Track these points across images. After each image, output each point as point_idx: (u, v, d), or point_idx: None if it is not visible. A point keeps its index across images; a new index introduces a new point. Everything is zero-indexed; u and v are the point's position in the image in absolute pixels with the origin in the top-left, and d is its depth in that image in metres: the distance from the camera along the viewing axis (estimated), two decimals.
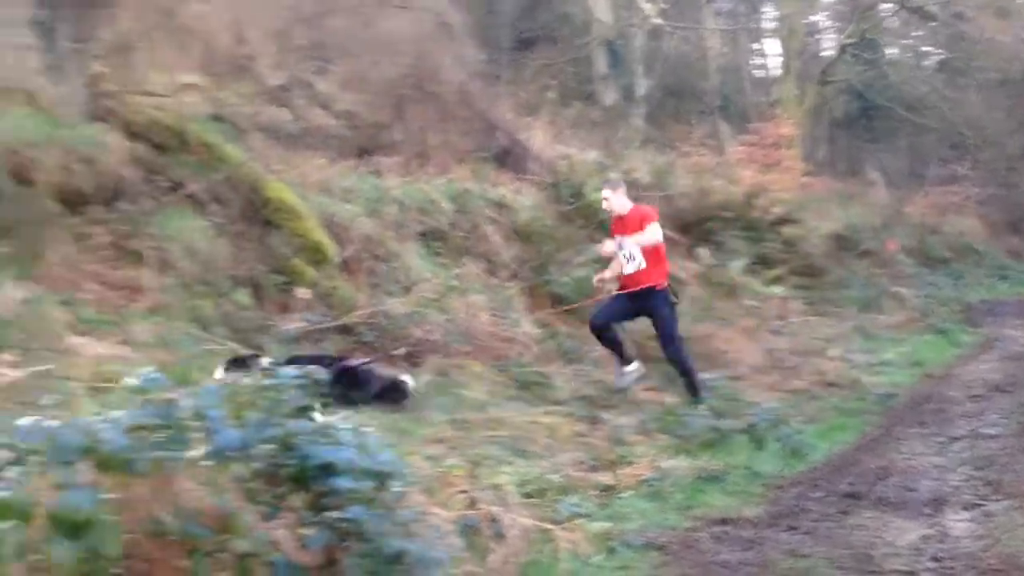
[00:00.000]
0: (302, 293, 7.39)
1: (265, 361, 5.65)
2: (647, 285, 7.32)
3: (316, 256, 8.73)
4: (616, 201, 7.62)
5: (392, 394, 6.36)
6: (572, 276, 9.48)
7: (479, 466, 4.73)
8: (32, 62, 8.85)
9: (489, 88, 13.97)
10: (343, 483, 3.01)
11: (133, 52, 9.49)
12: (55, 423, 2.83)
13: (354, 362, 6.55)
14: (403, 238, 9.36)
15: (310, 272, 8.49)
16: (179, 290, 7.92)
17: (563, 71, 20.08)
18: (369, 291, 8.36)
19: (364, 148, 11.32)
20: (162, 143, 9.06)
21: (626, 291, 7.43)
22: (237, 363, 5.76)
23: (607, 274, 7.74)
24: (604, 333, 7.51)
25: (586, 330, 9.01)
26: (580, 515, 4.34)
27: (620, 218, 7.58)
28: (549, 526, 4.04)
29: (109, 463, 2.76)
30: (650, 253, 7.36)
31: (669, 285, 7.48)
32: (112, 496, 2.72)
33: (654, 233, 7.35)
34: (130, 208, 8.23)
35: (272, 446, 3.01)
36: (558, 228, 10.49)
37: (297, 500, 3.06)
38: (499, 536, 3.76)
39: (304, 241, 8.76)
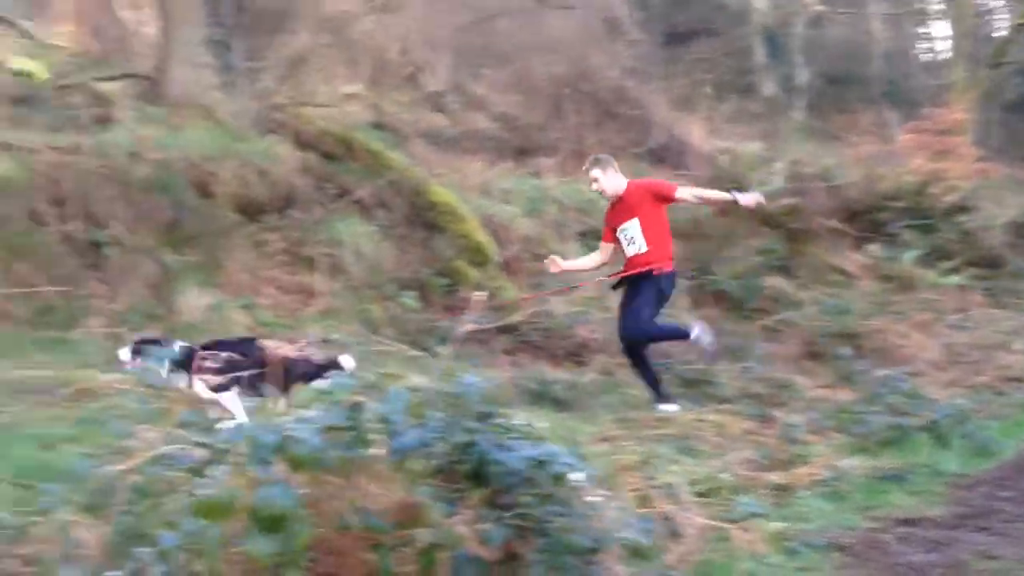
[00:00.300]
0: (477, 295, 7.50)
1: (178, 345, 5.33)
2: (645, 268, 6.48)
3: (478, 257, 8.89)
4: (608, 182, 6.63)
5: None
6: (735, 272, 9.32)
7: (648, 464, 4.69)
8: (209, 79, 9.37)
9: (644, 84, 13.88)
10: (521, 479, 3.05)
11: (303, 67, 9.89)
12: (253, 422, 2.97)
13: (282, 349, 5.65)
14: (563, 238, 9.42)
15: (473, 273, 8.65)
16: (348, 293, 8.22)
17: (719, 63, 19.75)
18: (531, 291, 8.44)
19: (521, 149, 11.45)
20: (330, 152, 9.43)
21: (624, 276, 6.67)
22: (144, 344, 5.32)
23: (568, 264, 6.96)
24: (636, 354, 6.55)
25: (750, 326, 8.86)
26: (755, 514, 4.24)
27: (619, 200, 6.65)
28: (724, 525, 3.98)
29: (301, 461, 2.88)
30: (653, 235, 6.52)
31: (672, 271, 6.58)
32: (304, 492, 2.84)
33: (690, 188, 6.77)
34: (302, 215, 8.60)
35: (451, 444, 3.08)
36: (719, 224, 10.29)
37: (475, 496, 3.11)
38: (674, 534, 3.73)
39: (466, 243, 8.94)
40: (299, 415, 3.04)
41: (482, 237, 9.03)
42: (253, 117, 9.28)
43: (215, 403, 5.14)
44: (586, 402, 6.45)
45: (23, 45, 11.01)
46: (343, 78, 11.27)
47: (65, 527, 2.94)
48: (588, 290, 8.20)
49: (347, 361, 5.46)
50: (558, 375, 7.03)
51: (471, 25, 11.91)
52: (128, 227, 7.72)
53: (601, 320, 7.94)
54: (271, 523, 2.76)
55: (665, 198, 6.58)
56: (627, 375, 6.81)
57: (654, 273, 6.45)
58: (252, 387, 5.19)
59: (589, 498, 3.22)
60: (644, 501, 3.96)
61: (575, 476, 3.13)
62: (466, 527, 3.02)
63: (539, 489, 3.06)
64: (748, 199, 6.66)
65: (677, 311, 8.58)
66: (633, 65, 13.77)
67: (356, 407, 3.00)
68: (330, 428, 2.95)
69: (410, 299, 8.22)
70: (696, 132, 13.35)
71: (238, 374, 5.16)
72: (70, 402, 5.19)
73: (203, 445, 3.12)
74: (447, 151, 11.33)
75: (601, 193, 6.74)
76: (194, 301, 7.33)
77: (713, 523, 3.97)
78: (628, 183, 6.67)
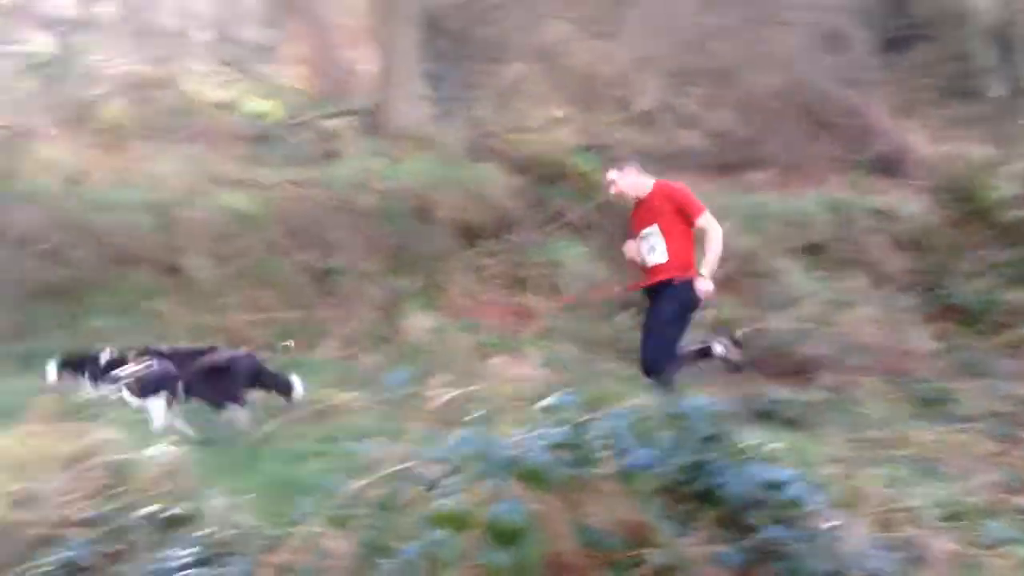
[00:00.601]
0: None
1: (105, 356, 5.44)
2: (663, 278, 5.86)
3: None
4: (628, 182, 6.04)
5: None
6: (970, 285, 8.78)
7: (888, 487, 4.48)
8: (427, 110, 9.77)
9: (861, 92, 13.35)
10: (754, 501, 2.98)
11: (515, 93, 10.15)
12: (485, 440, 3.05)
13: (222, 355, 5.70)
14: (782, 253, 9.16)
15: None
16: (564, 314, 8.31)
17: (940, 67, 18.76)
18: (751, 308, 8.26)
19: (735, 165, 11.24)
20: (541, 175, 9.60)
21: (642, 288, 6.09)
22: (71, 362, 5.45)
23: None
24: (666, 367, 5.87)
25: (988, 341, 8.29)
26: (1009, 540, 3.97)
27: (640, 203, 6.03)
28: (975, 551, 3.74)
29: (531, 477, 2.92)
30: (675, 244, 5.87)
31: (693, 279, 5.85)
32: (535, 508, 2.88)
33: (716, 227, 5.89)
34: (516, 238, 8.78)
35: (682, 464, 3.04)
36: (948, 234, 9.74)
37: (707, 517, 3.06)
38: (919, 561, 3.54)
39: None
40: (529, 432, 3.09)
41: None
42: (468, 145, 9.59)
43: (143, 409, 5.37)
44: (815, 421, 6.24)
45: (257, 88, 11.84)
46: (553, 102, 11.45)
47: (315, 538, 3.10)
48: (810, 305, 7.98)
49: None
50: (783, 393, 6.84)
51: (684, 45, 11.80)
52: (356, 255, 8.14)
53: (826, 335, 7.68)
54: (505, 537, 2.82)
55: (687, 216, 5.93)
56: (858, 393, 6.56)
57: (675, 283, 5.83)
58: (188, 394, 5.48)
59: (827, 522, 3.10)
60: (885, 526, 3.78)
61: (814, 498, 3.04)
62: (699, 549, 2.98)
63: (774, 512, 2.98)
64: (704, 287, 5.83)
65: (916, 325, 8.18)
66: (849, 74, 13.27)
67: (582, 425, 3.03)
68: (558, 445, 2.99)
69: (624, 318, 8.22)
70: (917, 139, 12.72)
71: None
72: (314, 420, 5.50)
73: (439, 460, 3.22)
74: (657, 169, 11.25)
75: (619, 196, 6.18)
76: (418, 324, 7.63)
77: (962, 549, 3.74)
78: (654, 183, 6.05)
